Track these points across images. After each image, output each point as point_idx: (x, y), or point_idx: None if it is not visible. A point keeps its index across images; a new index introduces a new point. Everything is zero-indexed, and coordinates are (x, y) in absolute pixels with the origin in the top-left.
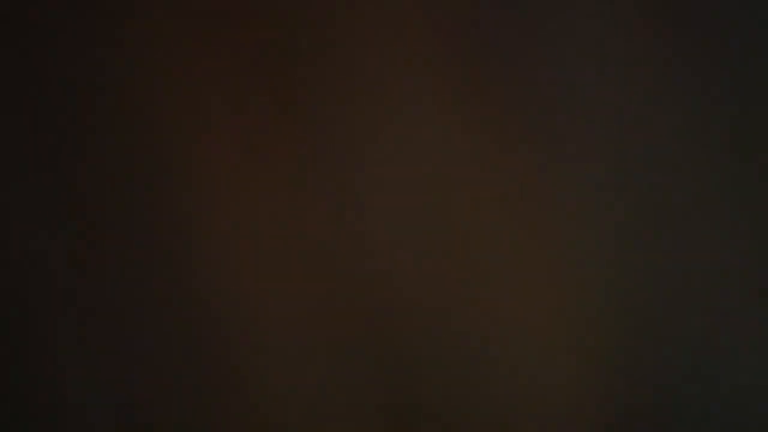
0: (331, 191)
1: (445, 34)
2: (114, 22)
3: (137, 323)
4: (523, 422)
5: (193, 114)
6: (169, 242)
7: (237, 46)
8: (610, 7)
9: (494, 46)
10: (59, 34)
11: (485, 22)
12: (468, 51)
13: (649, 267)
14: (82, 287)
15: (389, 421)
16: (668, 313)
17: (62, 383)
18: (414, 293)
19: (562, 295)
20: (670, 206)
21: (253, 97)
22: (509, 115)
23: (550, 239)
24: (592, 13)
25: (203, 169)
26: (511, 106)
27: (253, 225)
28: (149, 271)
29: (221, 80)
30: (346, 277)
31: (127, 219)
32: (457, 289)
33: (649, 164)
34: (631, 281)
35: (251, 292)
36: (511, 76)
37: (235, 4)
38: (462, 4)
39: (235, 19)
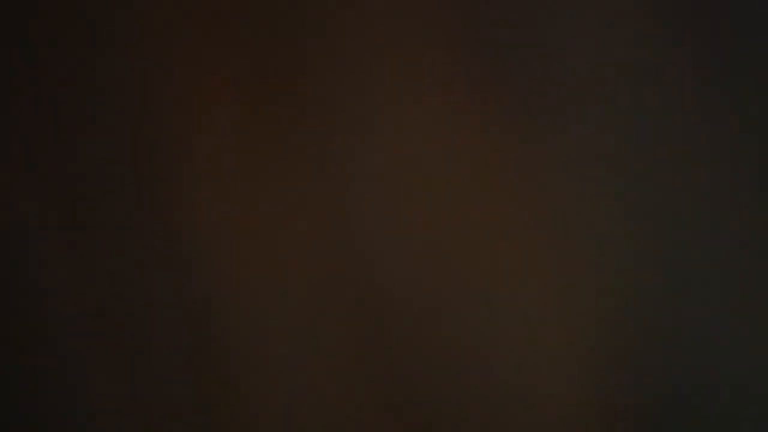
0: (331, 191)
1: (447, 28)
2: (112, 17)
3: (136, 323)
4: (524, 424)
5: (190, 112)
6: (166, 242)
7: (235, 41)
8: (617, 5)
9: (498, 44)
10: (57, 32)
11: (489, 18)
12: (470, 46)
13: (651, 269)
14: (81, 288)
15: (391, 422)
16: (670, 315)
17: (61, 385)
18: (415, 293)
19: (564, 296)
20: (674, 208)
21: (253, 95)
22: (511, 114)
23: (552, 240)
24: (599, 12)
25: (202, 168)
26: (513, 105)
27: (253, 224)
28: (146, 270)
29: (220, 78)
30: (347, 278)
31: (125, 218)
32: (458, 289)
33: (653, 165)
34: (633, 282)
35: (249, 291)
36: (513, 76)
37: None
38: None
39: (233, 14)
